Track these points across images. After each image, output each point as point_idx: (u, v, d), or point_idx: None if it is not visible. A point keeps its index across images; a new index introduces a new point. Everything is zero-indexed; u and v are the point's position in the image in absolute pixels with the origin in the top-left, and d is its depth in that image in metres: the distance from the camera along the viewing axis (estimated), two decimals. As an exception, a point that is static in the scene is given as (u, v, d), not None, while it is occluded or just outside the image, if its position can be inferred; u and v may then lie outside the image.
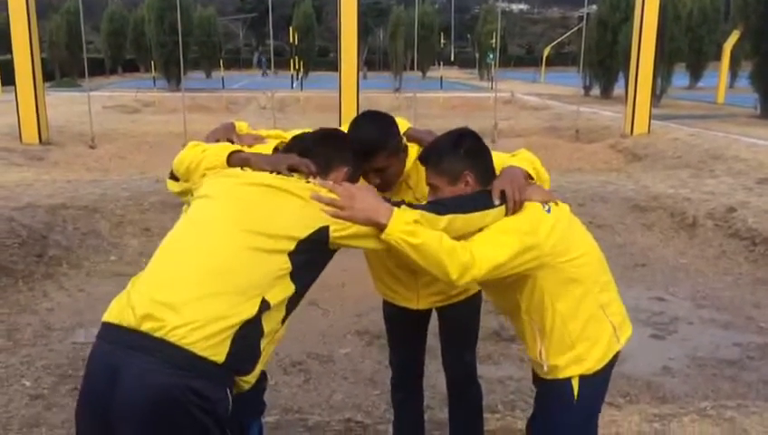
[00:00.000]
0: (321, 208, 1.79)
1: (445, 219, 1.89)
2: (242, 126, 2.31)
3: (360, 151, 2.09)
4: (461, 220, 1.92)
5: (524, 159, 2.12)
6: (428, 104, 19.13)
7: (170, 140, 12.44)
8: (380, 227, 1.81)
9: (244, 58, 56.96)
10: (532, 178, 2.06)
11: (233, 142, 2.18)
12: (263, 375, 2.70)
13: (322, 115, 16.72)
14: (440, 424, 2.97)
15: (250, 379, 1.76)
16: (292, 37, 25.44)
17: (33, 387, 3.64)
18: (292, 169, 1.91)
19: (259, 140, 2.21)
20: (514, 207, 1.95)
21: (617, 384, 3.71)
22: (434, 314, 2.58)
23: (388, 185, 2.19)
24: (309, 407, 3.52)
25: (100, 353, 1.69)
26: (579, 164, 11.03)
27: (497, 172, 2.06)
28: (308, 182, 1.87)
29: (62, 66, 33.79)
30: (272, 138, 2.24)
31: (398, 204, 1.89)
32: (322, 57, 44.99)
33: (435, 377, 3.50)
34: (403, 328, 2.61)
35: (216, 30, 37.21)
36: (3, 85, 20.31)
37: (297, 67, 25.47)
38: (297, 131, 2.25)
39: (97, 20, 41.76)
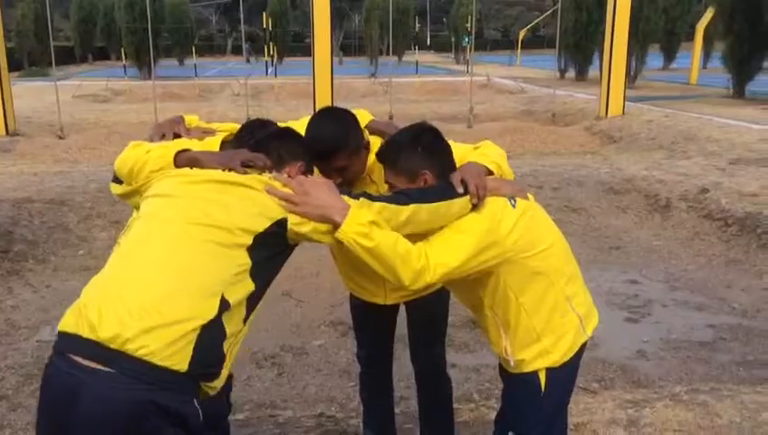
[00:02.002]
0: (277, 203, 1.73)
1: (407, 210, 1.82)
2: (192, 119, 2.21)
3: (320, 152, 2.01)
4: (426, 211, 1.84)
5: (486, 154, 2.04)
6: (404, 89, 19.01)
7: (142, 129, 12.21)
8: (335, 225, 1.74)
9: (218, 44, 56.22)
10: (492, 174, 1.98)
11: (180, 136, 2.08)
12: (228, 376, 2.63)
13: (297, 102, 16.55)
14: (415, 417, 2.92)
15: (216, 384, 1.67)
16: (266, 23, 25.12)
17: (-3, 388, 3.54)
18: (245, 165, 1.83)
19: (209, 133, 2.12)
20: (478, 194, 1.88)
21: (591, 369, 3.71)
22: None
23: (350, 183, 2.12)
24: (282, 401, 3.46)
25: (56, 369, 1.58)
26: (554, 147, 11.05)
27: (458, 166, 1.99)
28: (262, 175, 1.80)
29: (30, 55, 33.04)
30: (224, 131, 2.15)
31: (357, 196, 1.81)
32: (298, 42, 44.50)
33: (409, 367, 3.46)
34: (370, 321, 2.56)
35: (189, 16, 36.58)
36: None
37: (271, 53, 25.17)
38: None
39: (66, 7, 40.94)
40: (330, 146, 2.03)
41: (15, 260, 5.47)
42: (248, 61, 28.64)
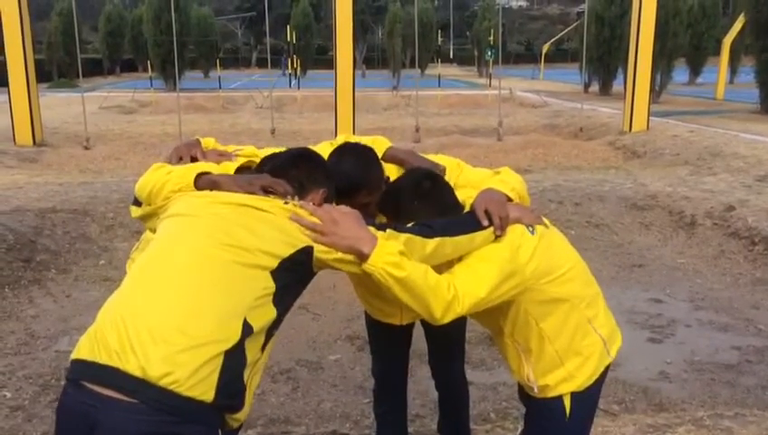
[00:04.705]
0: (302, 231, 1.68)
1: (433, 243, 1.80)
2: (208, 142, 2.20)
3: (341, 190, 2.00)
4: (450, 244, 1.82)
5: (506, 181, 2.02)
6: (426, 102, 19.01)
7: (166, 140, 12.37)
8: (363, 257, 1.69)
9: (243, 57, 56.95)
10: (511, 201, 1.96)
11: (197, 159, 2.07)
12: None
13: (320, 114, 16.63)
14: (428, 436, 2.89)
15: (240, 416, 1.61)
16: (290, 36, 25.32)
17: (14, 398, 3.55)
18: (265, 190, 1.79)
19: (226, 156, 2.10)
20: (502, 225, 1.85)
21: (612, 390, 3.63)
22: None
23: (369, 217, 2.11)
24: (296, 417, 3.43)
25: (70, 398, 1.51)
26: (577, 162, 10.94)
27: (479, 189, 1.96)
28: (286, 203, 1.75)
29: (59, 67, 33.71)
30: (244, 154, 2.13)
31: (383, 227, 1.77)
32: (321, 55, 44.87)
33: (424, 383, 3.42)
34: (385, 337, 2.54)
35: (214, 29, 37.09)
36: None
37: (295, 66, 25.37)
38: (271, 150, 2.13)
39: (95, 20, 41.77)
40: (351, 184, 2.02)
41: (37, 270, 5.53)
42: (284, 74, 29.11)
